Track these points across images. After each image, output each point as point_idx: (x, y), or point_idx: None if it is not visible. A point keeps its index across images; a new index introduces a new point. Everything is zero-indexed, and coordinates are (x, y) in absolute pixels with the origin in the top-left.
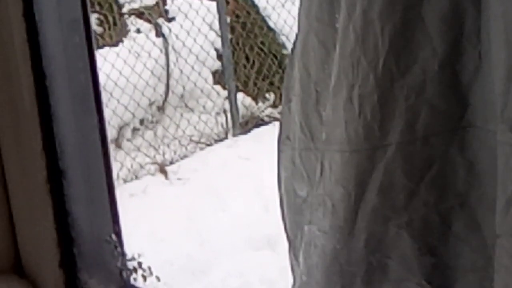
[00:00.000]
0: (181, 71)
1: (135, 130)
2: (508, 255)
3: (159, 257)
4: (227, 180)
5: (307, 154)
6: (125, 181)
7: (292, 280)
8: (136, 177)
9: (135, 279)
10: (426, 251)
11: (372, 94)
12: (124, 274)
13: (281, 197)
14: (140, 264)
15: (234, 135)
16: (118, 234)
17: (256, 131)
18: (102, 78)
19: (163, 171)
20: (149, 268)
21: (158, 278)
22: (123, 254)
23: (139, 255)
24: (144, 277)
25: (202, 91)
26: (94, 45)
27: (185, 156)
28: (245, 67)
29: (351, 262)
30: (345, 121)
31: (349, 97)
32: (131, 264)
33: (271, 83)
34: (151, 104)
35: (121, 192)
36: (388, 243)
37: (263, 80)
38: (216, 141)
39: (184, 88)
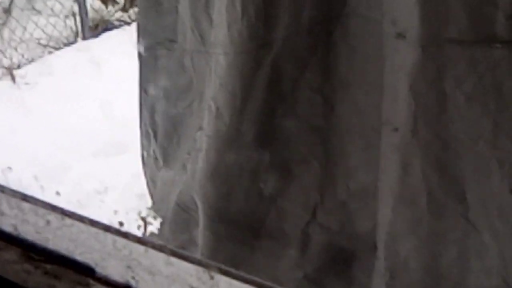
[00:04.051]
0: None
1: None
2: (388, 143)
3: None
4: (76, 85)
5: (199, 57)
6: None
7: (155, 192)
8: None
9: None
10: (311, 131)
11: None
12: None
13: (150, 103)
14: None
15: (83, 38)
16: None
17: (106, 34)
18: None
19: (10, 75)
20: None
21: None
22: None
23: None
24: None
25: None
26: None
27: (33, 60)
28: None
29: (238, 161)
30: (227, 23)
31: None
32: None
33: None
34: None
35: None
36: (275, 131)
37: None
38: (65, 44)
39: None
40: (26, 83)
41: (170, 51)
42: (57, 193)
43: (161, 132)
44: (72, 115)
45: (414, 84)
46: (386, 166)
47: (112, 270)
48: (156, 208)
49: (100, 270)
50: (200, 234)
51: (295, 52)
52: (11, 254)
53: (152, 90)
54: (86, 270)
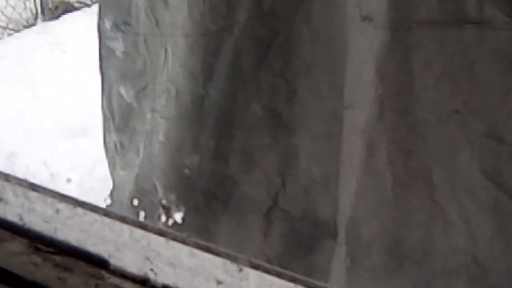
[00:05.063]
0: None
1: None
2: (351, 127)
3: None
4: (37, 67)
5: (153, 40)
6: None
7: (116, 170)
8: None
9: None
10: (273, 116)
11: None
12: None
13: (108, 86)
14: None
15: (43, 20)
16: None
17: (66, 16)
18: None
19: None
20: None
21: None
22: None
23: None
24: None
25: None
26: None
27: None
28: None
29: (200, 144)
30: (188, 5)
31: None
32: None
33: None
34: None
35: None
36: (237, 115)
37: None
38: (25, 27)
39: None
40: None
41: (125, 33)
42: (68, 180)
43: (118, 115)
44: (34, 98)
45: (381, 67)
46: (349, 151)
47: (128, 261)
48: (115, 193)
49: (114, 261)
50: (161, 219)
51: (257, 35)
52: (16, 245)
53: (109, 73)
54: (99, 262)
